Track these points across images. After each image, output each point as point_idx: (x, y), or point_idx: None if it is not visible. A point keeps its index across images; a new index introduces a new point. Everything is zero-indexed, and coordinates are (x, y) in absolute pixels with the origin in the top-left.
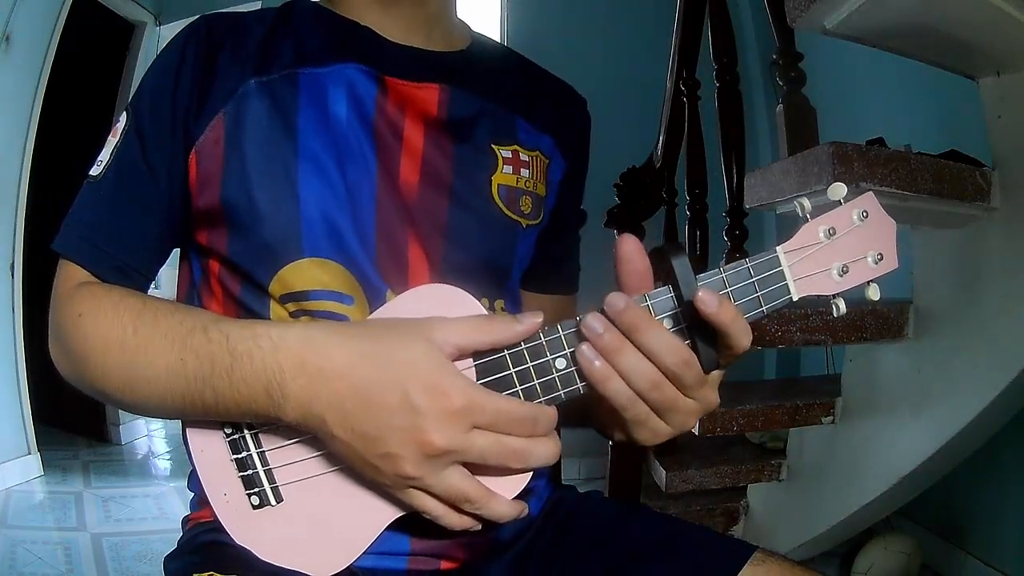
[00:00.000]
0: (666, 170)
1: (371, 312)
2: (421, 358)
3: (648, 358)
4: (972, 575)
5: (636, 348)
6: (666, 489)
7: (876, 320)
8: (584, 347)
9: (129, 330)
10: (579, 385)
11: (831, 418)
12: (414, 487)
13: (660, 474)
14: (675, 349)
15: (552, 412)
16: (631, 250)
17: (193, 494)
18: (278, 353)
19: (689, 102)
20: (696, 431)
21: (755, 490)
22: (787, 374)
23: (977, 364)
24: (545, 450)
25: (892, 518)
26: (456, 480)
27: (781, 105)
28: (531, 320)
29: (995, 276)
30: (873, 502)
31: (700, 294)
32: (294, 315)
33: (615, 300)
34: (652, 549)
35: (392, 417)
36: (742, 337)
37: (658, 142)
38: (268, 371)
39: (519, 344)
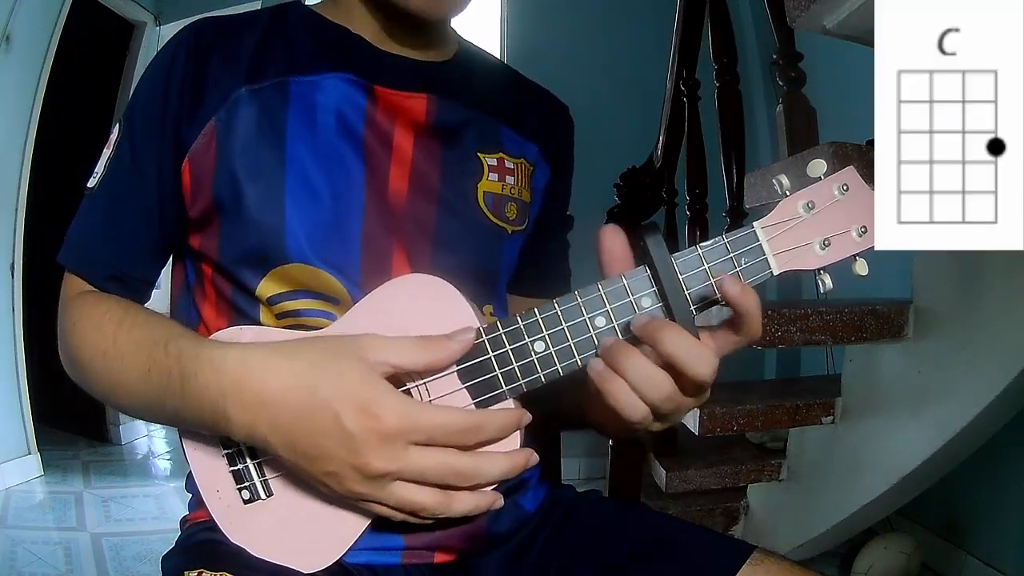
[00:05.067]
0: (666, 170)
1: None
2: (352, 379)
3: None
4: (972, 575)
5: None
6: (666, 489)
7: (876, 320)
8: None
9: (110, 340)
10: (559, 367)
11: (831, 418)
12: (367, 500)
13: (660, 474)
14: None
15: (504, 417)
16: (611, 238)
17: (191, 495)
18: (218, 376)
19: (689, 102)
20: (696, 431)
21: (755, 490)
22: (787, 374)
23: (977, 364)
24: (496, 467)
25: (892, 518)
26: (406, 494)
27: (781, 105)
28: (463, 337)
29: (995, 276)
30: (873, 502)
31: (726, 282)
32: (281, 317)
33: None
34: (650, 548)
35: (328, 440)
36: (755, 325)
37: (658, 142)
38: (211, 393)
39: (496, 328)
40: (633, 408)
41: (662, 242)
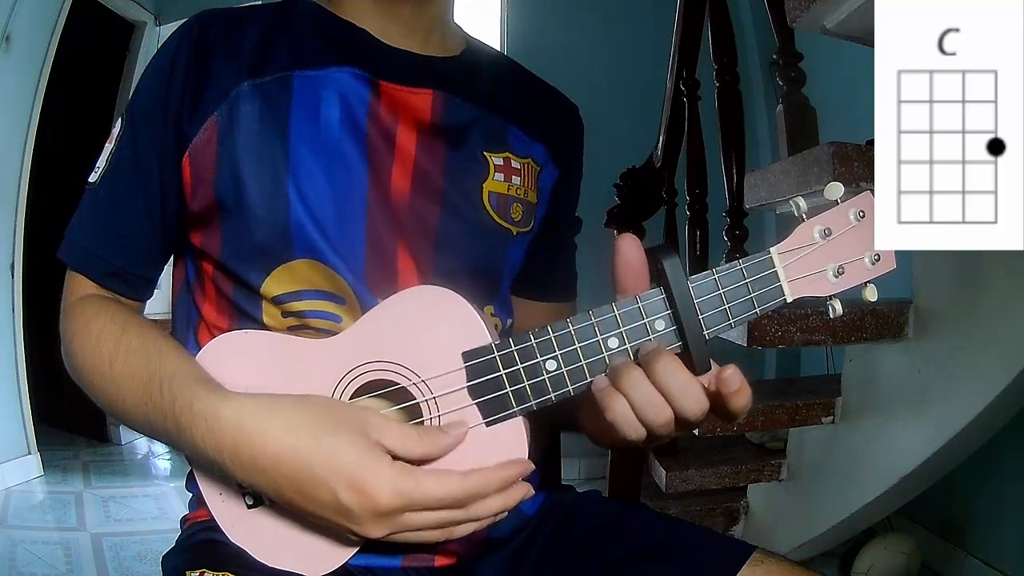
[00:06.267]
0: (666, 170)
1: (362, 314)
2: (347, 454)
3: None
4: (972, 575)
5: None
6: (666, 489)
7: (876, 320)
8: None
9: (106, 362)
10: (570, 387)
11: (831, 418)
12: None
13: (660, 474)
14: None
15: (504, 475)
16: (629, 248)
17: (191, 494)
18: (213, 435)
19: (689, 102)
20: (696, 431)
21: (755, 490)
22: (787, 374)
23: (977, 364)
24: (491, 508)
25: (892, 518)
26: (406, 536)
27: (781, 105)
28: (458, 431)
29: (995, 276)
30: (873, 502)
31: (730, 374)
32: (286, 316)
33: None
34: (650, 549)
35: (325, 511)
36: (730, 416)
37: (658, 142)
38: (208, 449)
39: (509, 346)
40: (630, 426)
41: (679, 265)
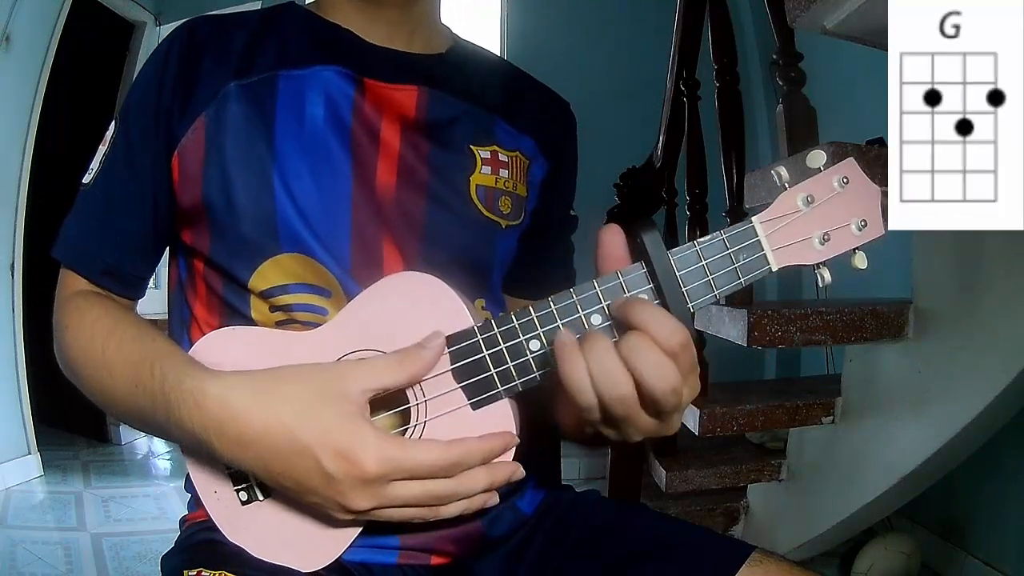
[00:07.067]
0: (666, 170)
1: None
2: (331, 422)
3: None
4: (972, 575)
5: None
6: (666, 489)
7: (876, 320)
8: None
9: (99, 349)
10: (554, 366)
11: (831, 418)
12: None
13: (660, 474)
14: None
15: (488, 446)
16: (609, 236)
17: (190, 495)
18: (200, 412)
19: (689, 102)
20: (696, 431)
21: (755, 490)
22: (787, 374)
23: (977, 364)
24: (476, 483)
25: (892, 518)
26: (390, 514)
27: (781, 105)
28: (435, 343)
29: (995, 276)
30: (873, 502)
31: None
32: (274, 310)
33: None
34: (650, 549)
35: (311, 482)
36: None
37: (658, 142)
38: (195, 427)
39: (491, 328)
40: (583, 392)
41: (659, 238)
